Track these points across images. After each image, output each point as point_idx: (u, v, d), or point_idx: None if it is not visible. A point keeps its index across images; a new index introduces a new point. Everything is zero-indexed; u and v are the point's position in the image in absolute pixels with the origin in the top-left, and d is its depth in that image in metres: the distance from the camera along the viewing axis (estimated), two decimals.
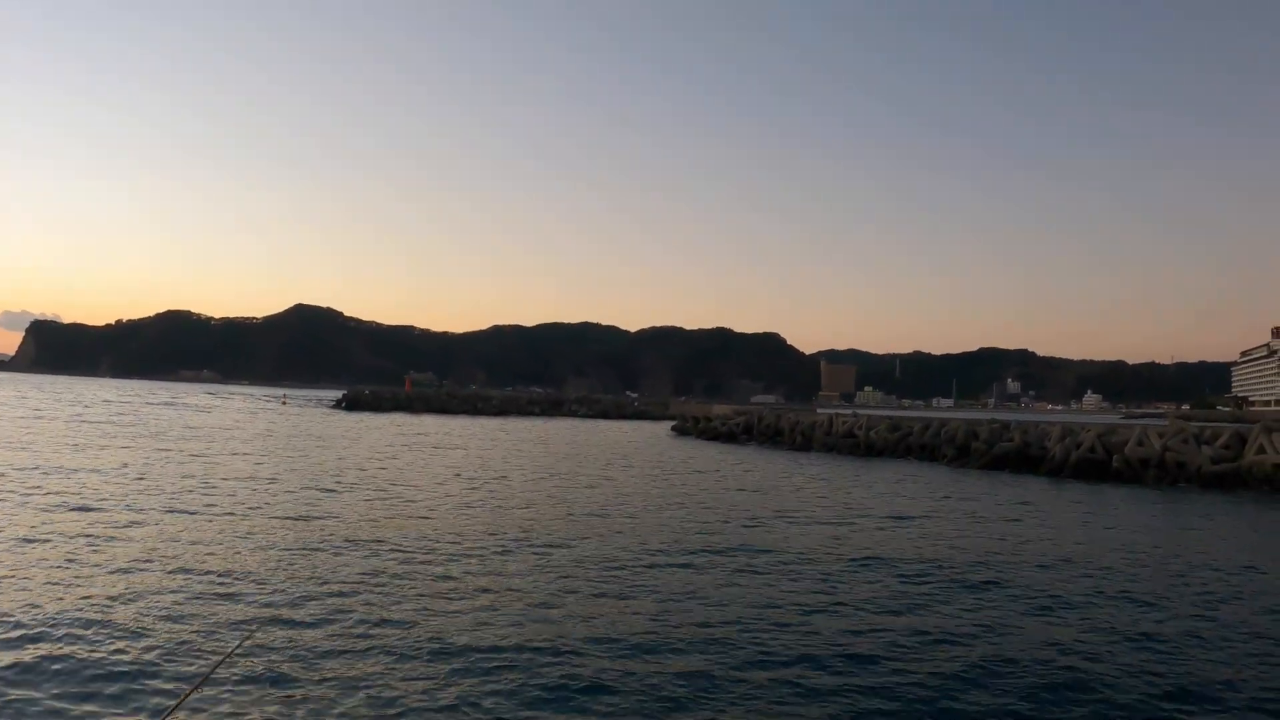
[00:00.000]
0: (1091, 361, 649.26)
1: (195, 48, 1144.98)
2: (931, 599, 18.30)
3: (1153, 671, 13.54)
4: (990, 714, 11.69)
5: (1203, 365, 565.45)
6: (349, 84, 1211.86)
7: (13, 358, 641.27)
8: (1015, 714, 11.73)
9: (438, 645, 13.93)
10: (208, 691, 11.32)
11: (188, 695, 6.12)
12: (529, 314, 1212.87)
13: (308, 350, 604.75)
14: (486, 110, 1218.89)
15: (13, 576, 17.70)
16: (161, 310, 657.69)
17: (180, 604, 15.97)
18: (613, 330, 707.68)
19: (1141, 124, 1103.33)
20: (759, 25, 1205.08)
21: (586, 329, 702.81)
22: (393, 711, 11.24)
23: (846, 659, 13.81)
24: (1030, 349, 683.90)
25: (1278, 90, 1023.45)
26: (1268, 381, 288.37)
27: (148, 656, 13.05)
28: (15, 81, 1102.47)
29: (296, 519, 26.21)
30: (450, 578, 18.93)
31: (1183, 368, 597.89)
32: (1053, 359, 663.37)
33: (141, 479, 35.22)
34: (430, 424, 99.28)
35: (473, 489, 36.39)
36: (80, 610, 15.39)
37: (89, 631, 14.20)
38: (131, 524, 24.31)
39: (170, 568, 18.81)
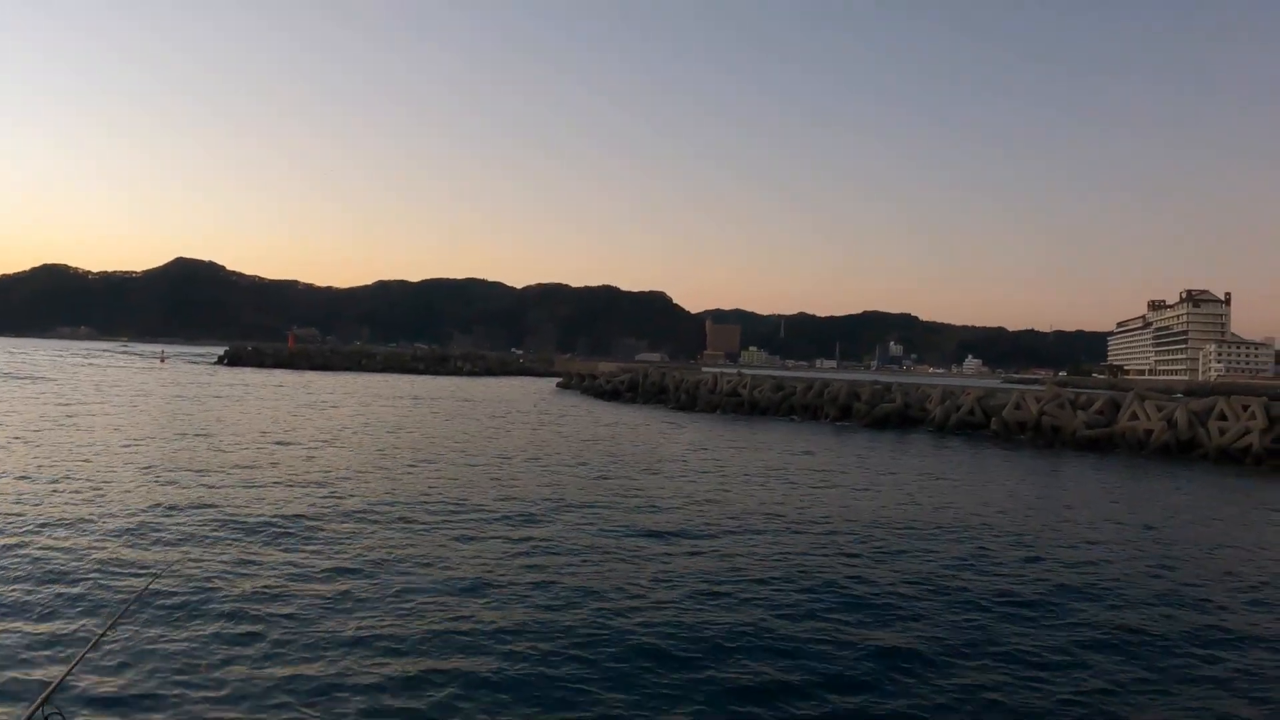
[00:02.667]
0: (972, 327, 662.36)
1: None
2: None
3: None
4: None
5: (1080, 334, 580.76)
6: (226, 32, 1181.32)
7: None
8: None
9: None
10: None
11: (101, 635, 6.16)
12: (414, 269, 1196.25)
13: (189, 305, 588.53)
14: (368, 61, 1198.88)
15: None
16: (36, 264, 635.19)
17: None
18: (499, 287, 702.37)
19: (1030, 92, 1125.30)
20: None
21: (473, 285, 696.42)
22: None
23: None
24: (913, 313, 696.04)
25: (1157, 69, 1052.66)
26: (1142, 351, 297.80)
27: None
28: None
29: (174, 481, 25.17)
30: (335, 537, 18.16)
31: (1061, 336, 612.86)
32: (935, 324, 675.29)
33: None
34: (313, 381, 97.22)
35: (358, 448, 35.52)
36: None
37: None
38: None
39: (49, 543, 17.64)
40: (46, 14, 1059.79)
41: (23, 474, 25.19)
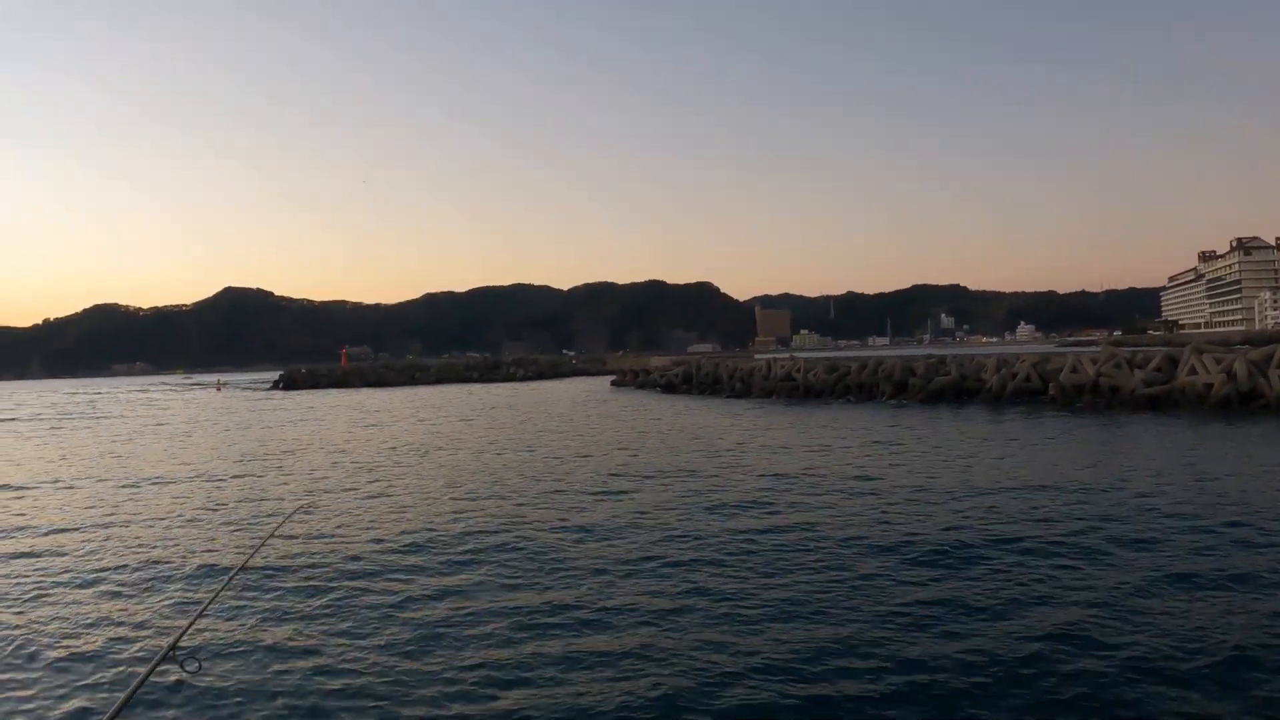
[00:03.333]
0: (1023, 294, 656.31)
1: (100, 31, 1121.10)
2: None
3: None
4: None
5: (1132, 292, 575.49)
6: (257, 56, 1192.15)
7: None
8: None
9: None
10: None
11: (213, 597, 7.48)
12: (460, 280, 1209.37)
13: (240, 333, 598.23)
14: (398, 76, 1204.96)
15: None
16: (89, 305, 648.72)
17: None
18: (546, 290, 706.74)
19: (1067, 51, 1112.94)
20: None
21: (519, 291, 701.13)
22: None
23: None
24: (962, 284, 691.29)
25: (1202, 18, 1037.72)
26: (1196, 304, 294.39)
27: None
28: None
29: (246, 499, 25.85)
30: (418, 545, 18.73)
31: (1112, 295, 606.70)
32: (984, 293, 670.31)
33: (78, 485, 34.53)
34: (369, 398, 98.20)
35: (426, 455, 36.01)
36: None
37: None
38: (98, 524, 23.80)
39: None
40: (82, 49, 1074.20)
41: (105, 495, 26.06)
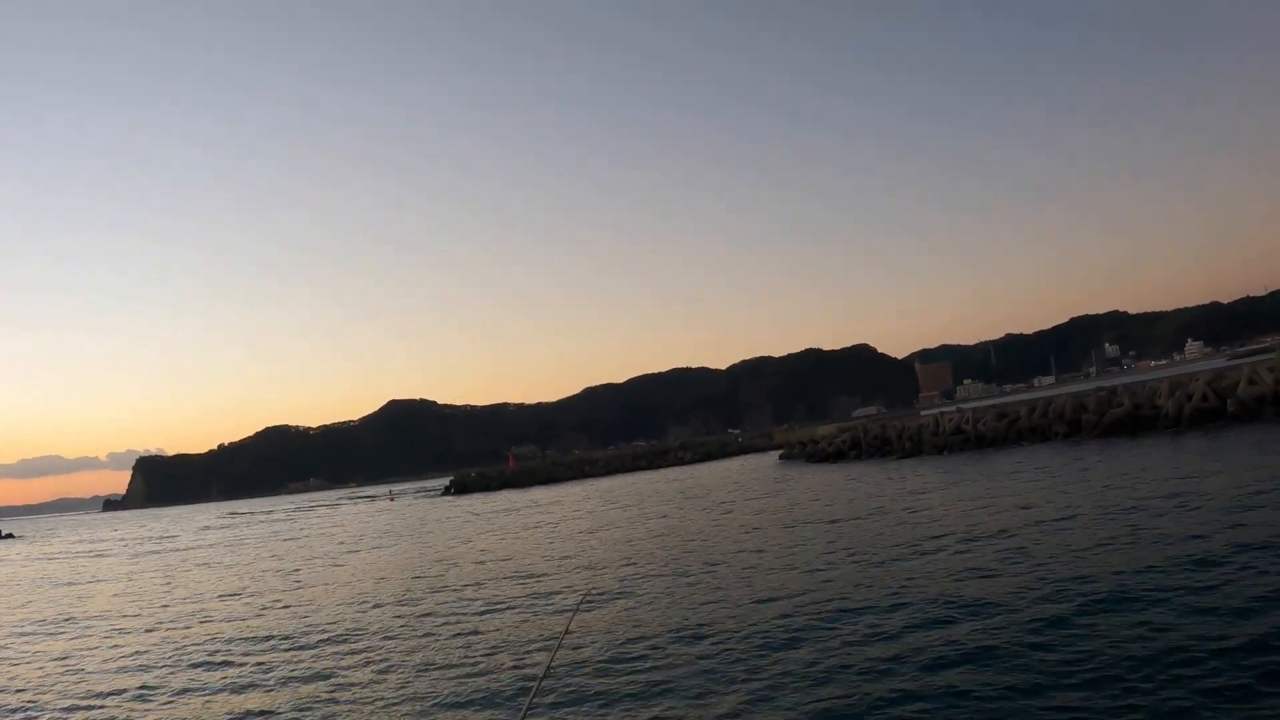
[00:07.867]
0: (1186, 309, 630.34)
1: (252, 178, 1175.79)
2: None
3: None
4: None
5: None
6: (396, 180, 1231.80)
7: (124, 496, 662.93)
8: None
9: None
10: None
11: (562, 636, 9.92)
12: (619, 370, 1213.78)
13: (407, 443, 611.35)
14: (528, 174, 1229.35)
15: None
16: (260, 429, 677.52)
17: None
18: (704, 371, 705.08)
19: (1190, 68, 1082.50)
20: (782, 27, 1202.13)
21: (678, 375, 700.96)
22: None
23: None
24: (1122, 309, 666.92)
25: None
26: None
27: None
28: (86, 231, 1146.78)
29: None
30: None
31: (1278, 295, 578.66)
32: (1146, 314, 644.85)
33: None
34: (542, 496, 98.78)
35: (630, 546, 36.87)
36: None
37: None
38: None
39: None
40: (220, 195, 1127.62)
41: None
